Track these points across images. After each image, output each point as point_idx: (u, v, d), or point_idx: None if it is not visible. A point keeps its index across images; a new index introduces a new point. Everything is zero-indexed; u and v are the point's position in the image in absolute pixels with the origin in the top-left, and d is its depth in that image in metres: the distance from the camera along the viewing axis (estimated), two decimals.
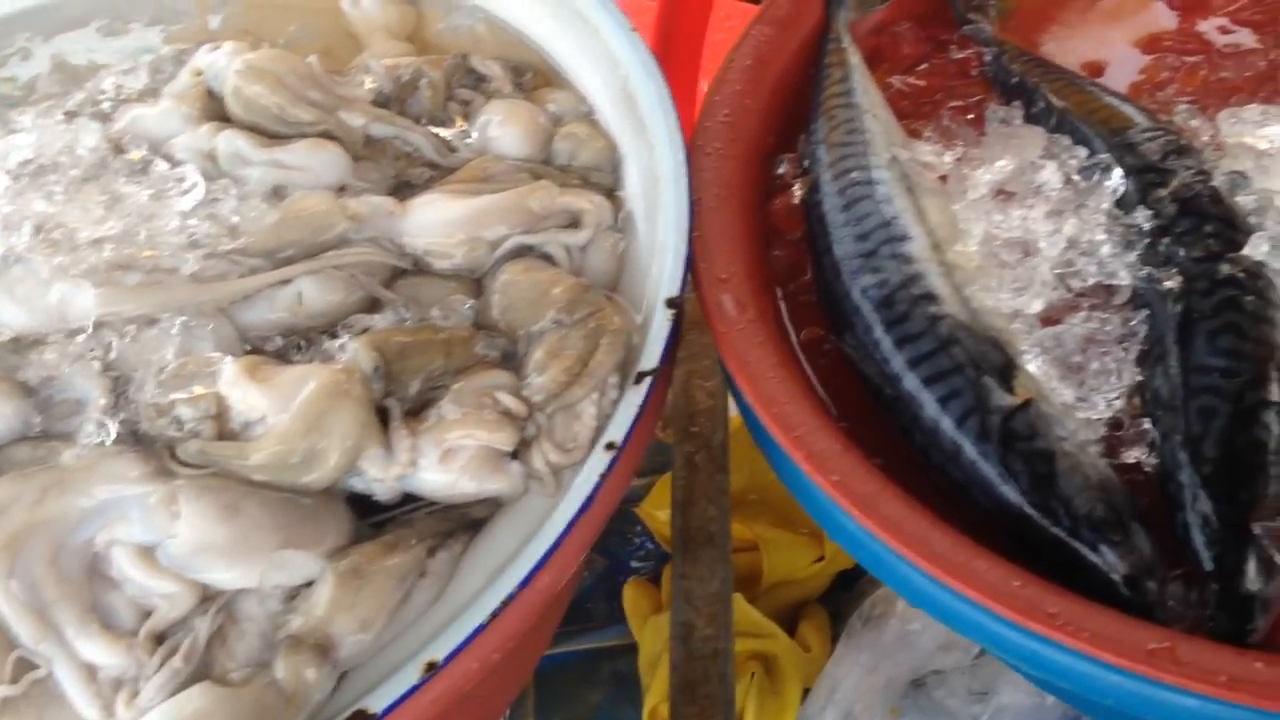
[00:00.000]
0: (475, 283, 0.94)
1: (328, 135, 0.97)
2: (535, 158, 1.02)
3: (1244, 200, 0.89)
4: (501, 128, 1.03)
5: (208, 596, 0.77)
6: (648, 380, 0.85)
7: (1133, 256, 0.89)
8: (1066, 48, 1.18)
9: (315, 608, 0.76)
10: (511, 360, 0.89)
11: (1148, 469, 0.82)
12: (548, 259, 0.95)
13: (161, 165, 0.93)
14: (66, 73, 1.19)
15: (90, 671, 0.75)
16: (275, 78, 0.97)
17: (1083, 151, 0.96)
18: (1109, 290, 0.89)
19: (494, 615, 0.75)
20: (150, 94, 1.08)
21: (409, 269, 0.94)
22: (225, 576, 0.76)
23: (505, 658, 0.78)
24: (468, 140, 1.03)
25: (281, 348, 0.88)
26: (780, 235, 1.04)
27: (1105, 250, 0.89)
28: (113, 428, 0.80)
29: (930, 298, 0.89)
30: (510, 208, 0.94)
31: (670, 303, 0.88)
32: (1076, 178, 0.94)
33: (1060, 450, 0.81)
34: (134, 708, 0.73)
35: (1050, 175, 0.94)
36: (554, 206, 0.95)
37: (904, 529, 0.77)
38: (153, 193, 0.90)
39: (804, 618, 1.49)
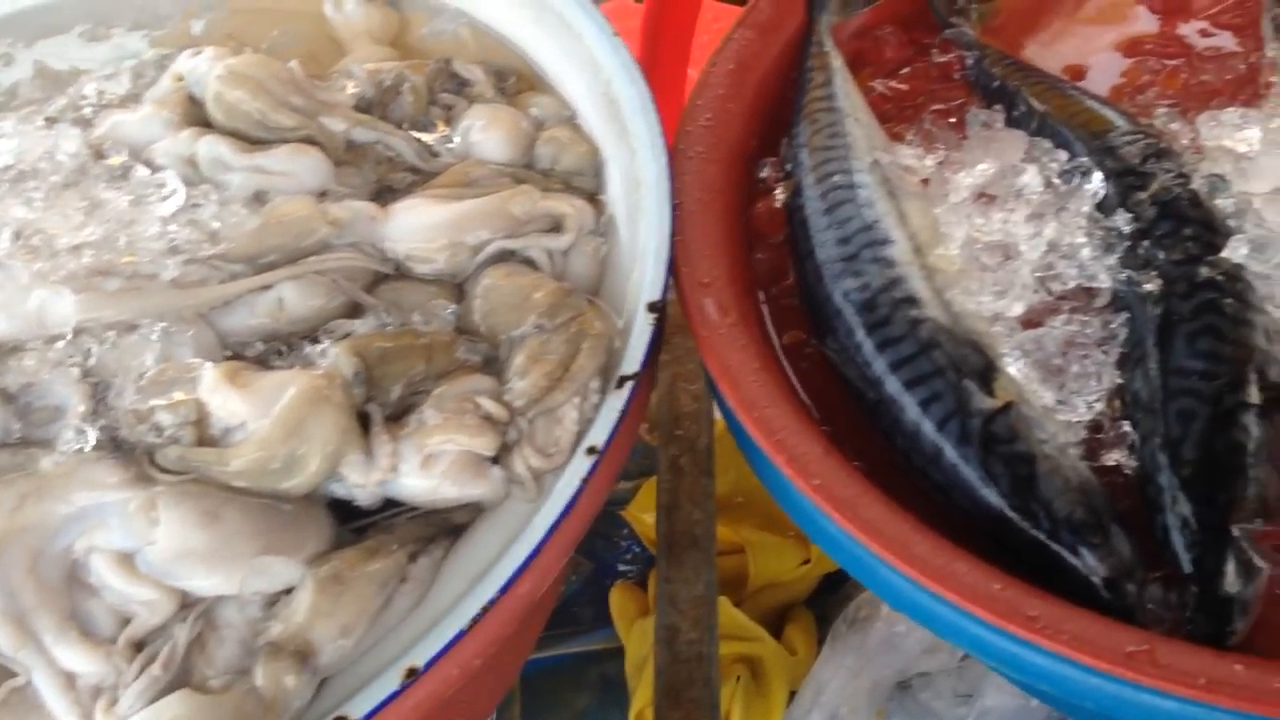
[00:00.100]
0: (457, 288, 0.94)
1: (309, 140, 0.97)
2: (517, 162, 1.02)
3: (1223, 203, 0.89)
4: (484, 132, 1.02)
5: (187, 603, 0.77)
6: (629, 384, 0.85)
7: (1113, 259, 0.89)
8: (1048, 51, 1.18)
9: (295, 614, 0.76)
10: (493, 365, 0.89)
11: (1128, 471, 0.83)
12: (530, 263, 0.95)
13: (142, 171, 0.93)
14: (48, 78, 1.19)
15: (69, 679, 0.75)
16: (256, 83, 0.97)
17: (1063, 155, 0.96)
18: (1089, 293, 0.90)
19: (475, 621, 0.75)
20: (132, 99, 1.07)
21: (391, 274, 0.94)
22: (205, 583, 0.76)
23: (487, 663, 0.78)
24: (450, 145, 1.03)
25: (262, 353, 0.87)
26: (763, 239, 1.04)
27: (1085, 253, 0.90)
28: (92, 434, 0.80)
29: (912, 301, 0.89)
30: (492, 212, 0.94)
31: (652, 307, 0.89)
32: (1057, 181, 0.94)
33: (1040, 453, 0.81)
34: (113, 715, 0.73)
35: (1031, 179, 0.94)
36: (536, 211, 0.95)
37: (884, 532, 0.77)
38: (133, 198, 0.89)
39: (790, 620, 1.49)
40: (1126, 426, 0.83)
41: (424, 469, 0.81)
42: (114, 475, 0.78)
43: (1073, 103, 1.02)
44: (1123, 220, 0.90)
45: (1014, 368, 0.86)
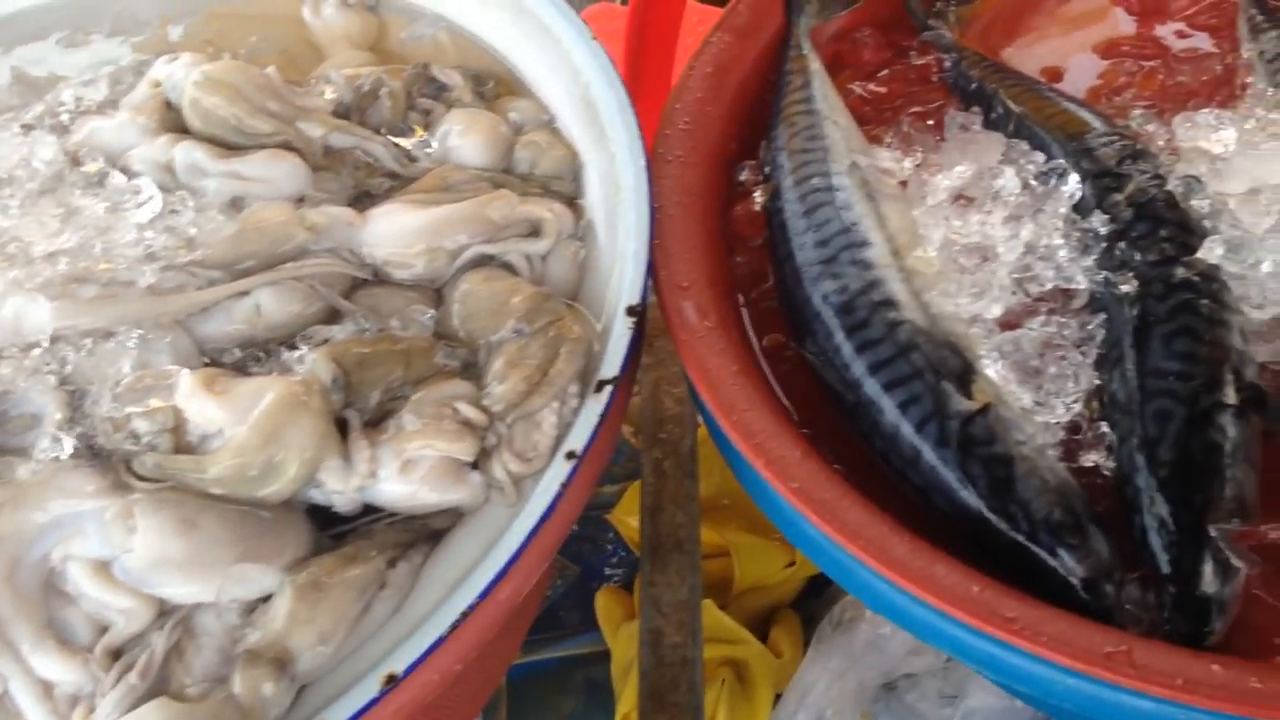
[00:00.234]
0: (435, 292, 0.94)
1: (287, 146, 0.97)
2: (496, 167, 1.02)
3: (1198, 204, 0.89)
4: (462, 137, 1.02)
5: (165, 611, 0.77)
6: (608, 389, 0.85)
7: (1089, 261, 0.90)
8: (1026, 53, 1.18)
9: (273, 621, 0.76)
10: (472, 370, 0.89)
11: (1106, 472, 0.83)
12: (508, 268, 0.95)
13: (118, 178, 0.93)
14: (26, 85, 1.19)
15: (46, 688, 0.74)
16: (233, 89, 0.97)
17: (1040, 157, 0.97)
18: (1067, 294, 0.90)
19: (454, 627, 0.75)
20: (110, 105, 1.07)
21: (369, 279, 0.94)
22: (182, 591, 0.76)
23: (467, 669, 0.77)
24: (428, 150, 1.03)
25: (240, 360, 0.87)
26: (742, 242, 1.04)
27: (1062, 255, 0.90)
28: (68, 442, 0.80)
29: (890, 304, 0.89)
30: (470, 217, 0.94)
31: (631, 311, 0.88)
32: (1034, 183, 0.94)
33: (1018, 454, 0.81)
34: None
35: (1008, 180, 0.94)
36: (514, 215, 0.95)
37: (863, 535, 0.77)
38: (109, 205, 0.89)
39: (776, 623, 1.49)
40: (1104, 427, 0.83)
41: (402, 474, 0.81)
42: (91, 483, 0.78)
43: (1049, 104, 1.03)
44: (1099, 221, 0.90)
45: (992, 369, 0.86)
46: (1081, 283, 0.89)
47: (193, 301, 0.86)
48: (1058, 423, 0.84)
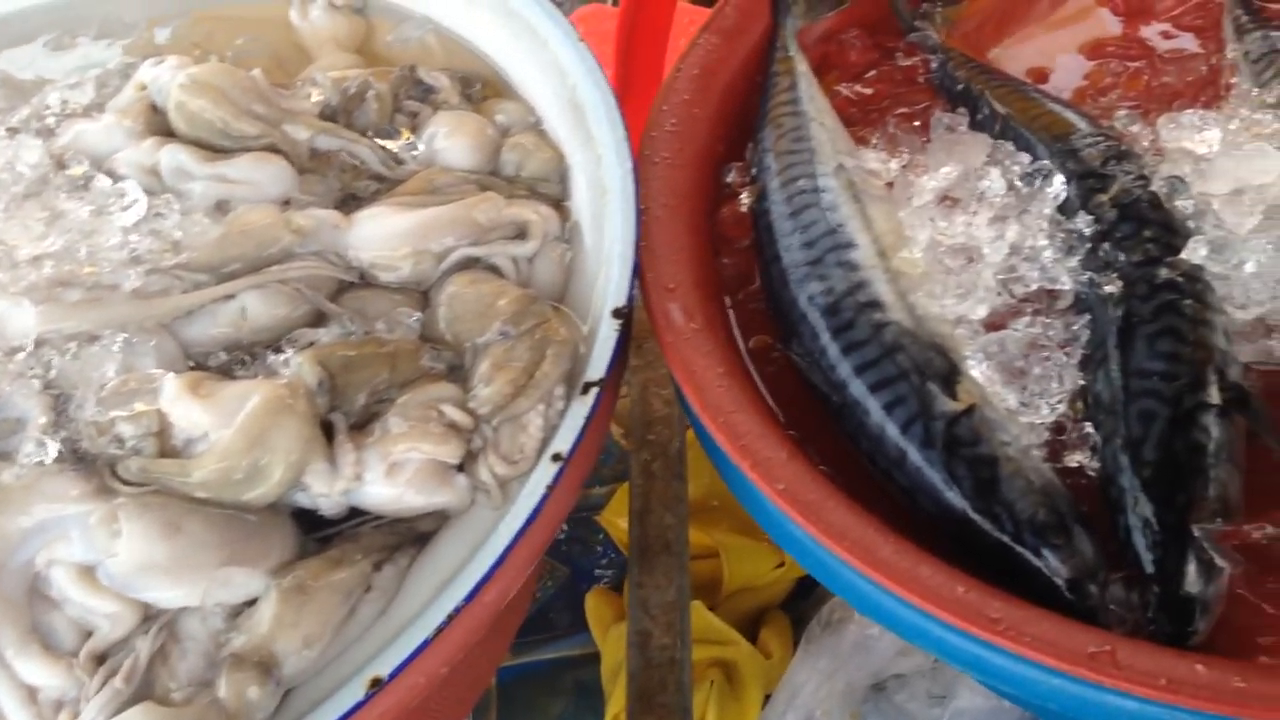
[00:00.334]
0: (422, 295, 0.94)
1: (272, 149, 0.97)
2: (482, 169, 1.02)
3: (1182, 204, 0.90)
4: (448, 139, 1.02)
5: (150, 616, 0.77)
6: (594, 391, 0.85)
7: (1074, 261, 0.90)
8: (1013, 54, 1.19)
9: (258, 625, 0.76)
10: (458, 373, 0.89)
11: (1090, 473, 0.83)
12: (495, 270, 0.95)
13: (103, 181, 0.92)
14: (13, 88, 1.18)
15: (30, 693, 0.74)
16: (219, 91, 0.97)
17: (1025, 157, 0.97)
18: (1051, 295, 0.90)
19: (439, 630, 0.75)
20: (96, 109, 1.07)
21: (355, 282, 0.93)
22: (167, 595, 0.76)
23: (453, 671, 0.77)
24: (415, 152, 1.03)
25: (225, 363, 0.87)
26: (729, 243, 1.04)
27: (1047, 255, 0.90)
28: (53, 447, 0.80)
29: (875, 305, 0.90)
30: (456, 219, 0.94)
31: (617, 313, 0.89)
32: (1019, 184, 0.94)
33: (1003, 455, 0.81)
34: None
35: (994, 181, 0.94)
36: (501, 218, 0.95)
37: (848, 536, 0.77)
38: (94, 209, 0.89)
39: (765, 624, 1.49)
40: (1088, 428, 0.83)
41: (388, 477, 0.81)
42: (75, 488, 0.78)
43: (1035, 105, 1.03)
44: (1084, 222, 0.91)
45: (977, 370, 0.86)
46: (1066, 283, 0.89)
47: (178, 305, 0.86)
48: (1042, 423, 0.85)
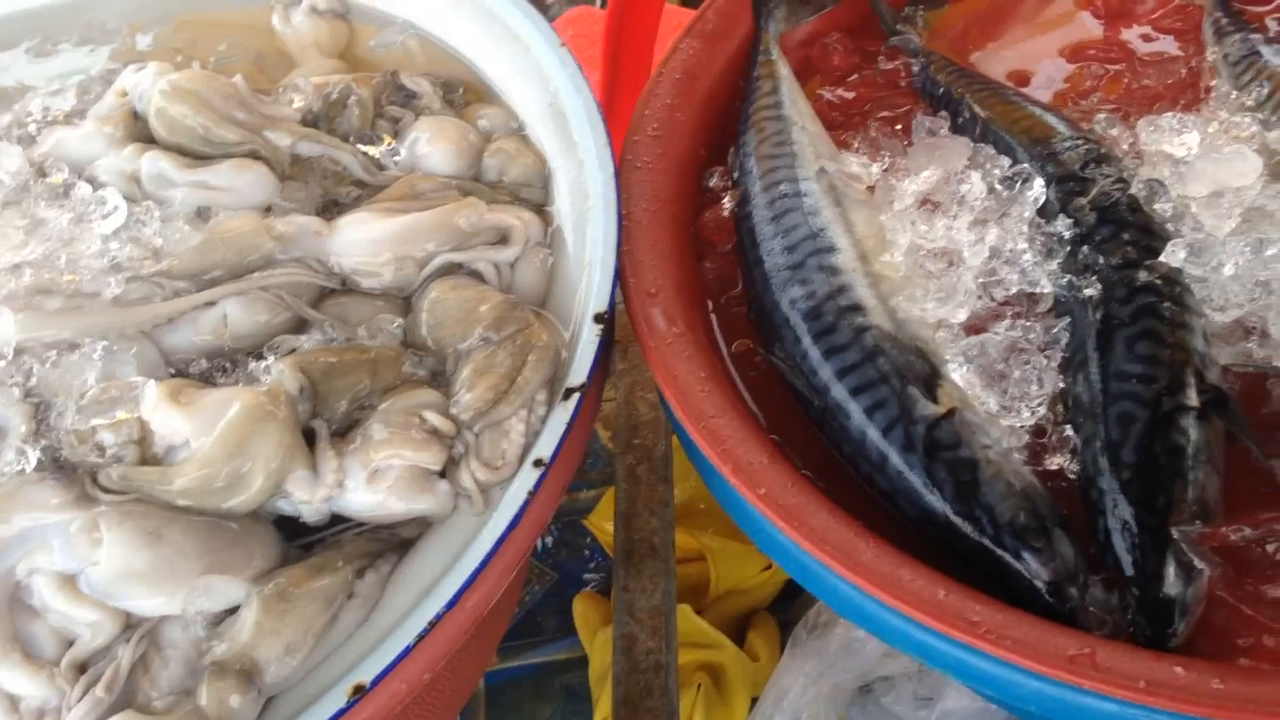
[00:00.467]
0: (404, 301, 0.94)
1: (254, 155, 0.97)
2: (464, 174, 1.02)
3: (1161, 207, 0.90)
4: (430, 145, 1.02)
5: (131, 624, 0.77)
6: (576, 396, 0.85)
7: (1054, 265, 0.90)
8: (995, 57, 1.19)
9: (240, 633, 0.75)
10: (440, 378, 0.89)
11: (1071, 475, 0.83)
12: (477, 276, 0.94)
13: (84, 188, 0.92)
14: None
15: (12, 702, 0.74)
16: (199, 98, 0.97)
17: (1006, 161, 0.97)
18: (1032, 298, 0.90)
19: (421, 636, 0.75)
20: (77, 115, 1.07)
21: (337, 288, 0.93)
22: (148, 604, 0.76)
23: (436, 678, 0.77)
24: (396, 158, 1.03)
25: (206, 370, 0.87)
26: (711, 248, 1.04)
27: (1027, 259, 0.90)
28: (33, 455, 0.80)
29: (857, 309, 0.90)
30: (438, 225, 0.94)
31: (598, 318, 0.89)
32: (999, 187, 0.94)
33: (984, 458, 0.81)
34: None
35: (974, 185, 0.94)
36: (482, 223, 0.95)
37: (829, 540, 0.77)
38: (74, 216, 0.89)
39: (753, 626, 1.49)
40: (1069, 431, 0.84)
41: (370, 484, 0.81)
42: (56, 496, 0.77)
43: (1015, 109, 1.03)
44: (1063, 225, 0.91)
45: (958, 374, 0.86)
46: (1046, 287, 0.90)
47: (159, 312, 0.86)
48: (1023, 426, 0.85)
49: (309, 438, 0.83)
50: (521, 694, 1.56)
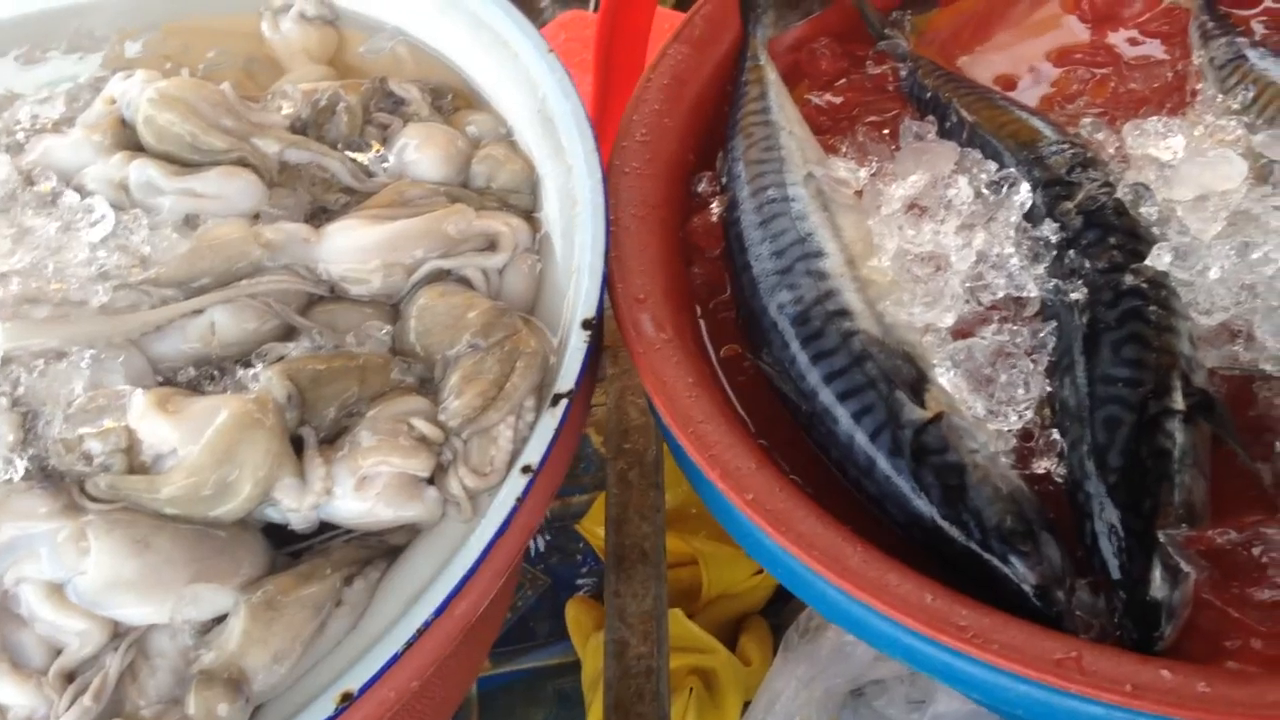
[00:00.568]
0: (392, 308, 0.94)
1: (242, 162, 0.96)
2: (453, 181, 1.02)
3: (1147, 211, 0.90)
4: (419, 151, 1.02)
5: (119, 633, 0.76)
6: (564, 402, 0.85)
7: (1040, 269, 0.90)
8: (982, 61, 1.19)
9: (228, 642, 0.75)
10: (429, 385, 0.89)
11: (1058, 479, 0.83)
12: (465, 283, 0.94)
13: (71, 196, 0.92)
14: None
15: (0, 712, 0.74)
16: (187, 105, 0.97)
17: (993, 165, 0.97)
18: (1018, 303, 0.91)
19: (409, 644, 0.75)
20: (66, 123, 1.06)
21: (325, 296, 0.93)
22: (136, 612, 0.76)
23: (425, 685, 0.78)
24: (385, 164, 1.03)
25: (194, 378, 0.87)
26: (700, 253, 1.04)
27: (1014, 263, 0.91)
28: (21, 464, 0.79)
29: (844, 314, 0.90)
30: (426, 232, 0.94)
31: (586, 324, 0.89)
32: (986, 191, 0.95)
33: (971, 463, 0.81)
34: None
35: (961, 189, 0.95)
36: (471, 230, 0.95)
37: (816, 545, 0.77)
38: (61, 225, 0.89)
39: (745, 630, 1.49)
40: (1056, 434, 0.84)
41: (358, 491, 0.81)
42: (43, 505, 0.77)
43: (1002, 113, 1.03)
44: (1050, 229, 0.91)
45: (945, 378, 0.86)
46: (1033, 291, 0.90)
47: (146, 320, 0.86)
48: (1010, 430, 0.85)
49: (297, 445, 0.83)
50: (514, 699, 1.56)
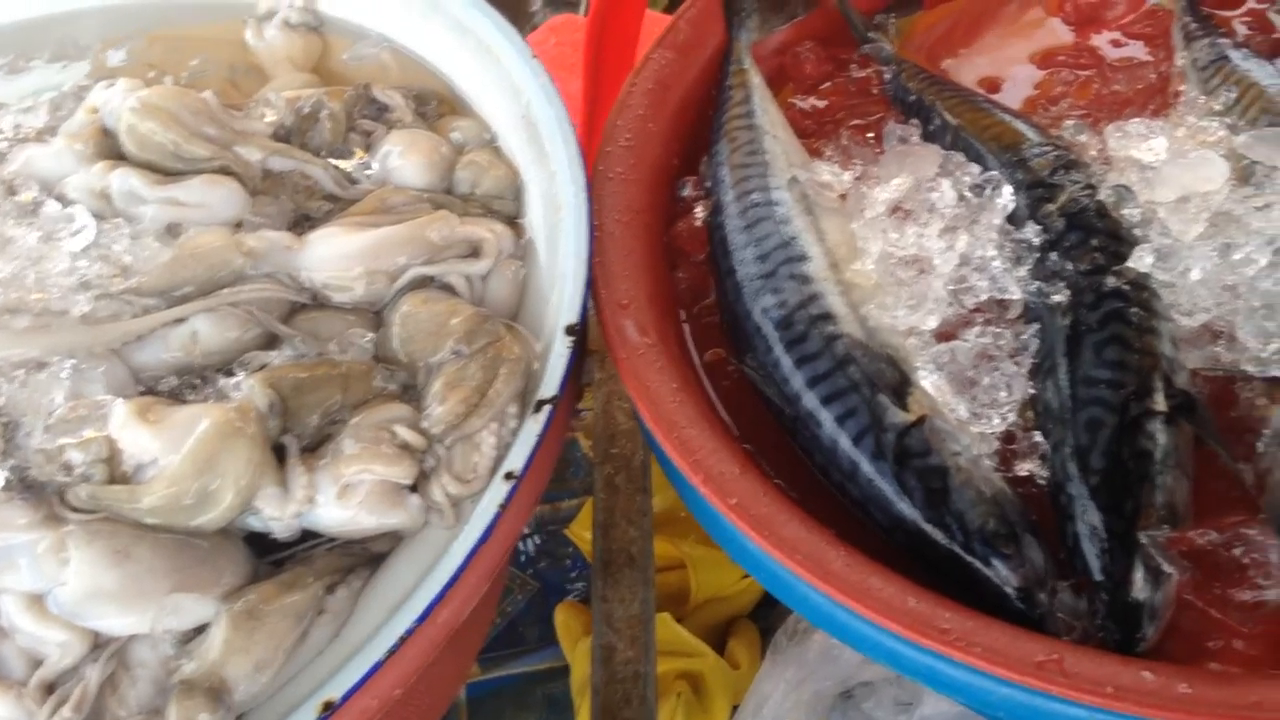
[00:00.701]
0: (375, 315, 0.94)
1: (224, 170, 0.96)
2: (436, 187, 1.02)
3: (1129, 213, 0.90)
4: (402, 158, 1.02)
5: (99, 643, 0.76)
6: (547, 409, 0.85)
7: (1023, 271, 0.91)
8: (966, 63, 1.19)
9: (209, 651, 0.75)
10: (412, 392, 0.89)
11: (1041, 481, 0.83)
12: (448, 289, 0.94)
13: (53, 206, 0.92)
14: None
15: None
16: (169, 114, 0.96)
17: (976, 168, 0.97)
18: (1001, 305, 0.91)
19: (392, 651, 0.75)
20: (49, 132, 1.06)
21: (308, 303, 0.93)
22: (117, 623, 0.76)
23: (408, 693, 0.77)
24: (369, 171, 1.03)
25: (176, 387, 0.86)
26: (684, 257, 1.04)
27: (997, 265, 0.91)
28: (0, 475, 0.79)
29: (828, 317, 0.90)
30: (410, 239, 0.94)
31: (570, 330, 0.88)
32: (969, 194, 0.95)
33: (954, 465, 0.81)
34: None
35: (945, 192, 0.95)
36: (454, 236, 0.95)
37: (800, 549, 0.77)
38: (42, 234, 0.88)
39: (734, 634, 1.50)
40: (1038, 437, 0.84)
41: (341, 499, 0.81)
42: (23, 516, 0.77)
43: (985, 116, 1.04)
44: (1032, 232, 0.91)
45: (928, 381, 0.86)
46: (1015, 293, 0.90)
47: (128, 330, 0.86)
48: (993, 433, 0.85)
49: (280, 454, 0.82)
50: (503, 704, 1.56)
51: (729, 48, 1.16)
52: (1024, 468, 0.84)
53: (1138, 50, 1.15)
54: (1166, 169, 0.92)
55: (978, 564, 0.78)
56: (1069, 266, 0.88)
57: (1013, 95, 1.13)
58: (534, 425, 0.85)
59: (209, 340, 0.88)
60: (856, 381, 0.86)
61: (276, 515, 0.80)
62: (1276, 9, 1.14)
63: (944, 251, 0.92)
